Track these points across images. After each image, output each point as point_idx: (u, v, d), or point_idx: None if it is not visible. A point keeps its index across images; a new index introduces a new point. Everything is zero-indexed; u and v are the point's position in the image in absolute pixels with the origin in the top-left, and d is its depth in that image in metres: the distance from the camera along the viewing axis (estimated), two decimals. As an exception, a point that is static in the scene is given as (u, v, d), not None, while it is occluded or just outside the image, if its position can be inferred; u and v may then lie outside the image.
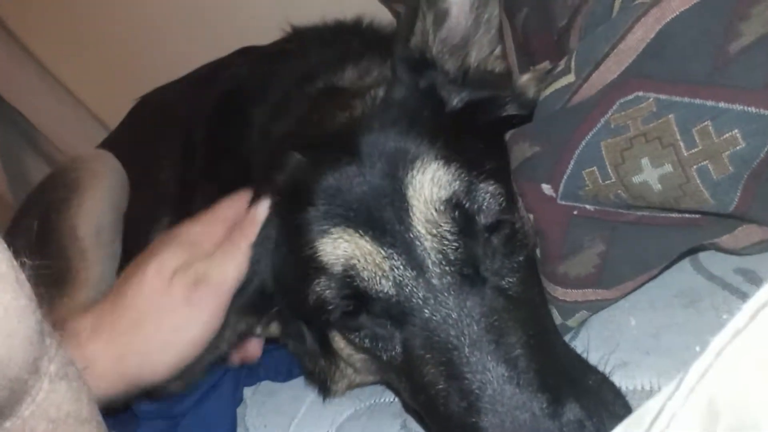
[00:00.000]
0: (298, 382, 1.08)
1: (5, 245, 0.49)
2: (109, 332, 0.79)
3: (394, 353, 0.80)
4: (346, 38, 1.16)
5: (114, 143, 1.60)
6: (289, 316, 0.95)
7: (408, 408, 0.89)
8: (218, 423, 1.06)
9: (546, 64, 1.09)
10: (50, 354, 0.54)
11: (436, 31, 0.88)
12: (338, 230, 0.77)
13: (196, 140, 1.28)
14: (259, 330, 0.99)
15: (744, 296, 0.71)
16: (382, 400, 0.98)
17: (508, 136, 0.88)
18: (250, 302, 0.92)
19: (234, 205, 0.93)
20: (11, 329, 0.48)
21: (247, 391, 1.13)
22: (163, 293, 0.80)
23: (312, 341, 0.95)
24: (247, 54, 1.42)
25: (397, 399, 0.95)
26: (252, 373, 1.14)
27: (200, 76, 1.50)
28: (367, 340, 0.82)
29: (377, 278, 0.75)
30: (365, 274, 0.75)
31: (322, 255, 0.78)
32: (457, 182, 0.76)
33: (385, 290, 0.75)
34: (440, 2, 0.87)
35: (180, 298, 0.80)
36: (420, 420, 0.87)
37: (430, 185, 0.75)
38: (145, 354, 0.80)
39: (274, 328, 0.98)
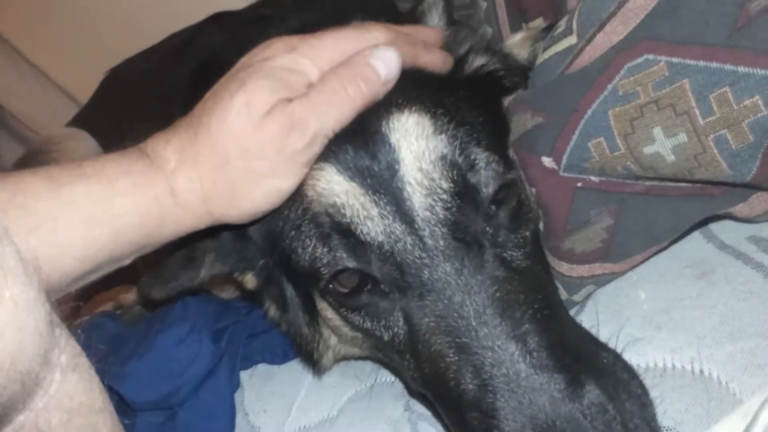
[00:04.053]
0: (296, 364, 1.05)
1: (12, 239, 0.48)
2: (193, 168, 0.71)
3: (397, 329, 0.77)
4: (325, 1, 1.08)
5: (87, 120, 1.53)
6: (273, 273, 0.91)
7: (411, 391, 0.87)
8: (217, 410, 1.03)
9: (540, 21, 1.03)
10: (60, 345, 0.53)
11: None
12: (316, 169, 0.74)
13: (175, 116, 1.22)
14: (237, 275, 0.95)
15: (759, 266, 0.68)
16: (383, 379, 0.96)
17: (507, 103, 0.84)
18: (231, 247, 0.89)
19: (354, 36, 0.75)
20: (21, 322, 0.47)
21: (244, 375, 1.10)
22: (251, 135, 0.69)
23: (296, 307, 0.92)
24: (221, 21, 1.34)
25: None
26: (247, 357, 1.10)
27: (172, 46, 1.41)
28: (368, 319, 0.79)
29: (361, 217, 0.72)
30: (348, 212, 0.73)
31: (308, 195, 0.75)
32: (445, 137, 0.73)
33: (372, 234, 0.72)
34: None
35: (270, 144, 0.69)
36: (425, 401, 0.84)
37: (416, 134, 0.73)
38: (231, 198, 0.73)
39: (250, 280, 0.94)
